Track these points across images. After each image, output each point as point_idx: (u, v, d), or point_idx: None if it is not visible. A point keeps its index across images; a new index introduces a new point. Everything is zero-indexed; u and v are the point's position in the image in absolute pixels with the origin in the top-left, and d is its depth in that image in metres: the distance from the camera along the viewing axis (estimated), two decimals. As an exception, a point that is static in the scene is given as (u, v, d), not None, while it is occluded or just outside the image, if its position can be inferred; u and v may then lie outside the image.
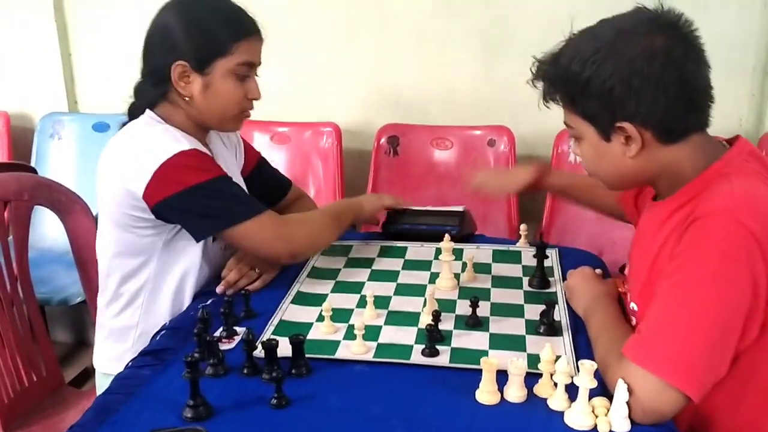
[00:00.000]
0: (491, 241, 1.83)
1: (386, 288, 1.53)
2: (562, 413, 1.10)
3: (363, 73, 2.84)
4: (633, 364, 1.07)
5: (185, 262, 1.54)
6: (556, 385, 1.11)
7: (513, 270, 1.62)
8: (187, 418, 1.10)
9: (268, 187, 1.78)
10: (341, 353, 1.28)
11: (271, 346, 1.19)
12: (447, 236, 1.55)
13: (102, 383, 1.59)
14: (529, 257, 1.64)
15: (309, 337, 1.33)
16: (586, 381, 1.06)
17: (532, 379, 1.15)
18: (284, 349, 1.22)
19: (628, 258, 1.38)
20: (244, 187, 1.60)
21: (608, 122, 1.16)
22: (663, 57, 1.11)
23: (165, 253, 1.52)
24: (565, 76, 1.18)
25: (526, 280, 1.56)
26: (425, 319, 1.34)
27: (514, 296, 1.49)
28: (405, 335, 1.34)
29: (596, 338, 1.25)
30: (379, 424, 1.09)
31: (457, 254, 1.61)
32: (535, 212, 2.63)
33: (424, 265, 1.66)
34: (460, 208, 1.85)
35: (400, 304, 1.47)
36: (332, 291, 1.54)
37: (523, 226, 1.79)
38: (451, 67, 2.76)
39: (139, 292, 1.55)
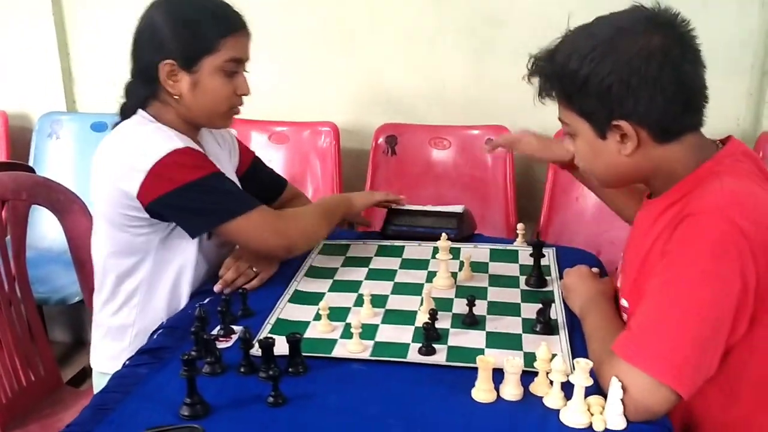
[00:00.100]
0: (489, 240, 1.83)
1: (383, 287, 1.54)
2: (557, 411, 1.10)
3: (361, 72, 2.84)
4: (623, 361, 1.08)
5: (181, 260, 1.54)
6: (552, 383, 1.11)
7: (510, 269, 1.63)
8: (183, 417, 1.10)
9: (263, 187, 1.78)
10: (338, 352, 1.29)
11: (268, 345, 1.19)
12: (444, 235, 1.56)
13: (99, 382, 1.59)
14: (526, 256, 1.64)
15: (306, 335, 1.33)
16: (581, 379, 1.06)
17: (528, 377, 1.15)
18: (281, 347, 1.22)
19: (623, 255, 1.39)
20: (239, 186, 1.60)
21: (605, 120, 1.17)
22: (661, 57, 1.12)
23: (160, 251, 1.52)
24: (562, 72, 1.18)
25: (523, 279, 1.56)
26: (422, 318, 1.34)
27: (511, 295, 1.50)
28: (402, 334, 1.34)
29: (591, 336, 1.26)
30: (376, 423, 1.10)
31: (455, 253, 1.61)
32: (532, 211, 2.63)
33: (421, 264, 1.66)
34: (459, 209, 1.85)
35: (397, 302, 1.47)
36: (329, 290, 1.54)
37: (520, 226, 1.79)
38: (448, 67, 2.76)
39: (136, 290, 1.55)
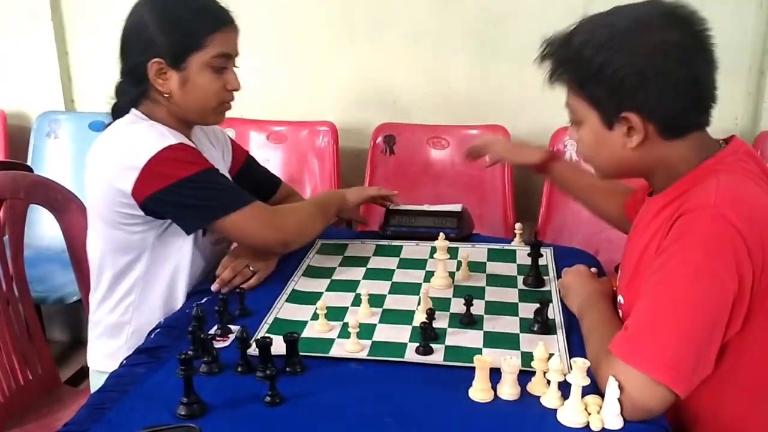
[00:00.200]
0: (486, 239, 1.83)
1: (381, 286, 1.53)
2: (555, 411, 1.10)
3: (359, 72, 2.84)
4: (620, 361, 1.08)
5: (176, 258, 1.54)
6: (549, 383, 1.11)
7: (508, 269, 1.63)
8: (180, 416, 1.10)
9: (257, 185, 1.78)
10: (335, 351, 1.28)
11: (265, 344, 1.19)
12: (442, 235, 1.56)
13: (96, 381, 1.59)
14: (524, 256, 1.64)
15: (303, 335, 1.33)
16: (578, 379, 1.06)
17: (525, 377, 1.15)
18: (278, 347, 1.22)
19: (623, 254, 1.39)
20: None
21: (614, 111, 1.16)
22: (677, 53, 1.12)
23: (156, 249, 1.52)
24: (576, 58, 1.17)
25: (520, 279, 1.56)
26: (420, 318, 1.34)
27: (509, 295, 1.50)
28: (399, 333, 1.34)
29: (589, 336, 1.26)
30: (373, 422, 1.10)
31: (452, 253, 1.61)
32: (530, 211, 2.63)
33: (419, 263, 1.66)
34: (457, 208, 1.85)
35: (394, 302, 1.47)
36: (327, 289, 1.54)
37: (518, 225, 1.79)
38: (447, 67, 2.76)
39: (132, 288, 1.55)
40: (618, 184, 1.75)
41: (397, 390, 1.17)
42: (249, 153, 1.86)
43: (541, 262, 1.58)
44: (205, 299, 1.49)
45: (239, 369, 1.22)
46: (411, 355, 1.27)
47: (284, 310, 1.45)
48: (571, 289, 1.43)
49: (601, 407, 1.07)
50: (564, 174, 1.72)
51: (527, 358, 1.19)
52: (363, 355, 1.27)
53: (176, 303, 1.56)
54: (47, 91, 3.05)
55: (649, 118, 1.15)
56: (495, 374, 1.14)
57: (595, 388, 1.11)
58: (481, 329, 1.35)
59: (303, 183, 2.78)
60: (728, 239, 1.06)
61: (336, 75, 2.86)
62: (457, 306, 1.42)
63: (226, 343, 1.32)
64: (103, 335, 1.60)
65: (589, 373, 1.08)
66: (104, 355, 1.59)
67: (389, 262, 1.67)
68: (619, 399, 1.05)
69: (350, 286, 1.55)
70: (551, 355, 1.12)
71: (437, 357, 1.26)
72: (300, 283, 1.57)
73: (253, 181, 1.78)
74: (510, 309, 1.43)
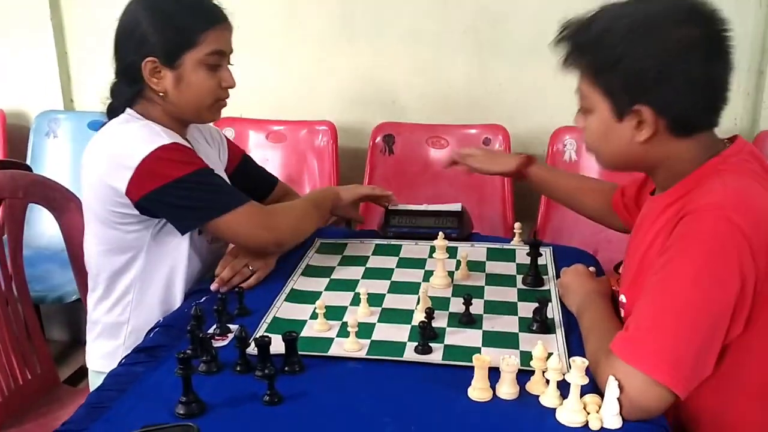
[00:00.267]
0: (486, 239, 1.83)
1: (380, 286, 1.53)
2: (554, 410, 1.10)
3: (359, 72, 2.84)
4: (620, 360, 1.07)
5: (173, 257, 1.54)
6: (548, 382, 1.11)
7: (507, 268, 1.63)
8: (179, 415, 1.10)
9: (253, 184, 1.78)
10: (334, 350, 1.28)
11: (264, 344, 1.19)
12: (441, 234, 1.56)
13: (95, 381, 1.59)
14: (523, 255, 1.64)
15: (302, 334, 1.33)
16: (577, 378, 1.06)
17: (524, 376, 1.15)
18: (277, 346, 1.22)
19: (626, 250, 1.38)
20: (228, 182, 1.60)
21: (627, 102, 1.15)
22: (699, 51, 1.11)
23: (152, 248, 1.52)
24: (596, 45, 1.16)
25: (519, 278, 1.56)
26: (419, 317, 1.34)
27: (508, 294, 1.50)
28: (398, 333, 1.34)
29: (587, 335, 1.26)
30: (372, 422, 1.10)
31: (452, 252, 1.61)
32: (530, 211, 2.63)
33: (418, 263, 1.66)
34: (457, 207, 1.85)
35: (393, 301, 1.47)
36: (326, 289, 1.54)
37: (517, 225, 1.79)
38: (446, 67, 2.76)
39: (129, 288, 1.55)
40: (601, 182, 1.75)
41: (396, 389, 1.17)
42: (245, 152, 1.86)
43: (540, 261, 1.58)
44: (204, 298, 1.49)
45: (238, 368, 1.22)
46: (410, 354, 1.27)
47: (283, 309, 1.44)
48: (570, 289, 1.43)
49: (600, 406, 1.07)
50: (542, 176, 1.73)
51: (526, 357, 1.19)
52: (362, 354, 1.27)
53: (174, 302, 1.56)
54: (46, 91, 3.05)
55: (661, 113, 1.14)
56: (494, 373, 1.14)
57: (593, 387, 1.11)
58: (480, 328, 1.35)
59: (302, 182, 2.78)
60: (732, 241, 1.06)
61: (335, 74, 2.86)
62: (456, 305, 1.42)
63: (225, 343, 1.32)
64: (101, 335, 1.60)
65: (588, 372, 1.08)
66: (103, 355, 1.59)
67: (388, 262, 1.67)
68: (618, 398, 1.05)
69: (349, 285, 1.55)
70: (550, 354, 1.12)
71: (436, 356, 1.26)
72: (299, 282, 1.57)
73: (249, 180, 1.78)
74: (509, 308, 1.43)
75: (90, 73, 3.05)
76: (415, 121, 2.77)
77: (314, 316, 1.38)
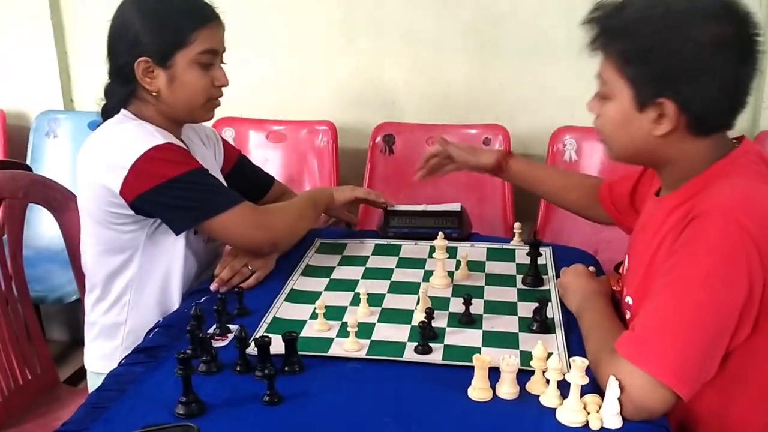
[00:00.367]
0: (485, 239, 1.83)
1: (380, 286, 1.53)
2: (554, 410, 1.10)
3: (359, 71, 2.84)
4: (625, 360, 1.07)
5: (169, 257, 1.54)
6: (548, 382, 1.11)
7: (507, 268, 1.63)
8: (179, 415, 1.10)
9: (249, 184, 1.78)
10: (334, 351, 1.28)
11: (264, 344, 1.19)
12: (441, 234, 1.56)
13: (94, 383, 1.59)
14: (523, 255, 1.64)
15: (302, 334, 1.33)
16: (577, 378, 1.06)
17: (524, 376, 1.15)
18: (277, 346, 1.22)
19: (628, 251, 1.38)
20: (224, 183, 1.60)
21: (651, 93, 1.13)
22: (731, 52, 1.10)
23: (148, 248, 1.52)
24: (628, 31, 1.14)
25: (519, 278, 1.56)
26: (419, 317, 1.34)
27: (508, 294, 1.50)
28: (398, 333, 1.34)
29: (588, 335, 1.26)
30: (372, 422, 1.10)
31: (451, 252, 1.61)
32: (530, 211, 2.63)
33: (418, 263, 1.66)
34: (456, 207, 1.85)
35: (393, 301, 1.47)
36: (326, 289, 1.54)
37: (517, 225, 1.79)
38: (446, 67, 2.76)
39: (126, 288, 1.55)
40: (583, 176, 1.74)
41: (396, 389, 1.17)
42: (241, 152, 1.86)
43: (540, 261, 1.58)
44: (203, 298, 1.49)
45: (238, 368, 1.22)
46: (410, 354, 1.27)
47: (283, 309, 1.44)
48: (570, 289, 1.43)
49: (600, 406, 1.07)
50: (522, 169, 1.71)
51: (526, 357, 1.19)
52: (362, 354, 1.27)
53: (171, 302, 1.56)
54: (46, 91, 3.05)
55: (684, 109, 1.12)
56: (494, 373, 1.14)
57: (594, 387, 1.11)
58: (480, 328, 1.35)
59: (302, 182, 2.78)
60: (741, 245, 1.05)
61: (335, 74, 2.86)
62: (456, 305, 1.42)
63: (225, 343, 1.32)
64: (99, 336, 1.60)
65: (588, 372, 1.08)
66: (101, 356, 1.59)
67: (388, 262, 1.67)
68: (619, 398, 1.05)
69: (349, 285, 1.55)
70: (550, 354, 1.12)
71: (436, 356, 1.26)
72: (299, 282, 1.57)
73: (245, 180, 1.78)
74: (509, 308, 1.43)
75: (90, 73, 3.04)
76: (415, 121, 2.77)
77: (314, 316, 1.38)
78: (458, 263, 1.59)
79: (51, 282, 2.56)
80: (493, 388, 1.14)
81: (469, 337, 1.32)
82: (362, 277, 1.59)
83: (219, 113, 2.73)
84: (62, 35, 3.02)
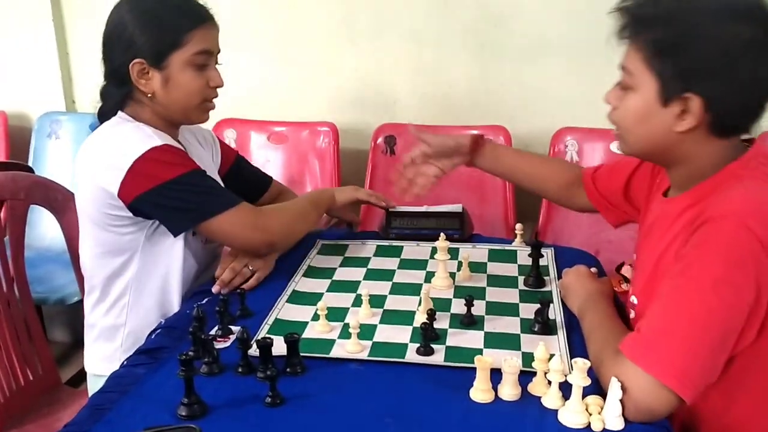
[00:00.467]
0: (487, 240, 1.83)
1: (382, 287, 1.53)
2: (555, 411, 1.10)
3: (360, 73, 2.84)
4: (629, 361, 1.07)
5: (168, 258, 1.54)
6: (550, 383, 1.11)
7: (508, 269, 1.63)
8: (181, 417, 1.10)
9: (247, 184, 1.78)
10: (336, 352, 1.28)
11: (265, 345, 1.19)
12: (442, 235, 1.56)
13: (94, 385, 1.59)
14: (524, 256, 1.64)
15: (304, 335, 1.33)
16: (579, 379, 1.06)
17: (526, 377, 1.15)
18: (279, 347, 1.22)
19: (636, 250, 1.38)
20: (221, 184, 1.60)
21: (679, 88, 1.11)
22: (765, 54, 1.08)
23: (147, 249, 1.52)
24: (662, 22, 1.11)
25: (521, 279, 1.56)
26: (420, 318, 1.34)
27: (510, 295, 1.50)
28: (400, 334, 1.34)
29: (590, 335, 1.25)
30: (374, 423, 1.10)
31: (453, 253, 1.61)
32: (531, 212, 2.63)
33: (419, 264, 1.66)
34: (458, 208, 1.85)
35: (395, 303, 1.47)
36: (328, 290, 1.54)
37: (518, 226, 1.79)
38: (447, 67, 2.76)
39: (126, 290, 1.55)
40: (563, 164, 1.72)
41: (397, 391, 1.17)
42: (238, 153, 1.86)
43: (542, 262, 1.58)
44: (205, 300, 1.49)
45: (240, 370, 1.22)
46: (412, 355, 1.27)
47: (285, 310, 1.44)
48: (572, 290, 1.43)
49: (602, 408, 1.07)
50: (498, 154, 1.69)
51: (528, 358, 1.19)
52: (363, 355, 1.27)
53: (170, 303, 1.56)
54: (48, 92, 3.05)
55: (710, 107, 1.10)
56: (496, 375, 1.14)
57: (595, 388, 1.11)
58: (482, 330, 1.35)
59: (303, 184, 2.78)
60: (750, 250, 1.05)
61: (336, 76, 2.86)
62: (458, 306, 1.42)
63: (227, 344, 1.32)
64: (99, 338, 1.60)
65: (590, 373, 1.08)
66: (101, 358, 1.59)
67: (390, 263, 1.67)
68: (621, 400, 1.05)
69: (351, 286, 1.55)
70: (552, 355, 1.12)
71: (438, 357, 1.26)
72: (300, 283, 1.57)
73: (243, 181, 1.78)
74: (511, 309, 1.43)
75: (92, 74, 3.02)
76: (416, 122, 2.77)
77: (316, 317, 1.38)
78: (460, 264, 1.59)
79: (52, 283, 2.56)
80: (494, 389, 1.14)
81: (471, 339, 1.32)
82: (364, 279, 1.59)
83: (220, 114, 2.77)
84: (64, 36, 3.02)
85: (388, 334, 1.34)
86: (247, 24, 2.83)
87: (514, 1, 2.63)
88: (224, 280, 1.53)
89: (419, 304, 1.42)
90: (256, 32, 2.85)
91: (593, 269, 1.48)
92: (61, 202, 1.81)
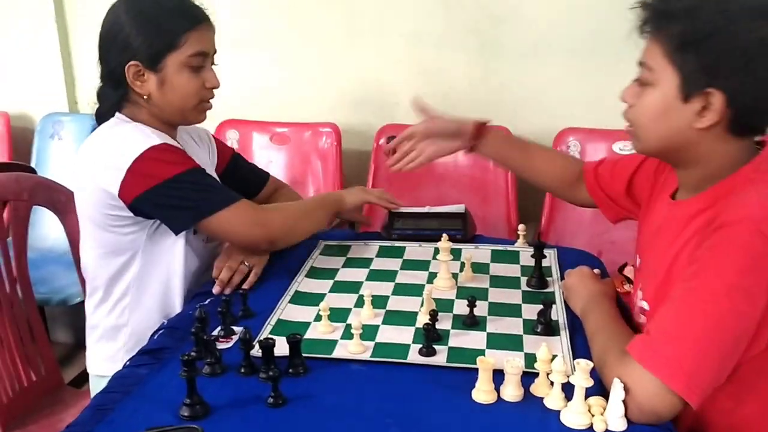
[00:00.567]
0: (490, 241, 1.83)
1: (384, 288, 1.53)
2: (558, 412, 1.10)
3: (362, 73, 2.84)
4: (636, 363, 1.06)
5: (169, 257, 1.54)
6: (552, 384, 1.11)
7: (511, 270, 1.62)
8: (183, 417, 1.10)
9: (245, 181, 1.79)
10: (338, 353, 1.28)
11: (268, 346, 1.19)
12: (445, 236, 1.55)
13: (96, 386, 1.59)
14: (527, 257, 1.64)
15: (306, 336, 1.33)
16: (582, 380, 1.06)
17: (528, 378, 1.15)
18: (281, 348, 1.22)
19: (639, 253, 1.37)
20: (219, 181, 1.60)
21: (701, 83, 1.09)
22: None
23: (148, 249, 1.53)
24: (686, 16, 1.09)
25: (524, 280, 1.56)
26: (423, 319, 1.34)
27: (512, 296, 1.49)
28: (402, 335, 1.34)
29: (593, 336, 1.25)
30: (376, 424, 1.10)
31: (456, 254, 1.61)
32: (533, 212, 2.63)
33: (422, 264, 1.66)
34: (460, 208, 1.85)
35: (397, 303, 1.47)
36: (330, 291, 1.54)
37: (521, 227, 1.79)
38: (448, 68, 2.76)
39: (127, 290, 1.55)
40: (565, 159, 1.71)
41: (400, 391, 1.17)
42: (234, 150, 1.87)
43: (545, 263, 1.58)
44: (208, 300, 1.49)
45: (242, 370, 1.22)
46: (414, 356, 1.27)
47: (287, 311, 1.44)
48: (574, 291, 1.43)
49: (604, 409, 1.07)
50: (500, 140, 1.66)
51: (530, 359, 1.19)
52: (366, 356, 1.27)
53: (172, 303, 1.56)
54: (51, 93, 3.06)
55: (732, 103, 1.09)
56: (498, 375, 1.14)
57: (598, 389, 1.11)
58: (485, 330, 1.35)
59: (306, 184, 2.78)
60: (764, 256, 1.04)
61: (338, 76, 2.86)
62: (460, 307, 1.42)
63: (229, 345, 1.32)
64: (101, 339, 1.60)
65: (593, 374, 1.08)
66: (103, 358, 1.59)
67: (392, 264, 1.67)
68: (625, 401, 1.05)
69: (353, 287, 1.55)
70: (554, 356, 1.12)
71: (440, 358, 1.26)
72: (303, 284, 1.57)
73: (240, 178, 1.78)
74: (513, 310, 1.43)
75: (94, 75, 3.04)
76: (418, 123, 2.77)
77: (318, 318, 1.38)
78: (462, 265, 1.59)
79: (55, 284, 2.56)
80: (497, 390, 1.14)
81: (474, 339, 1.32)
82: (366, 279, 1.59)
83: (223, 115, 2.77)
84: (66, 37, 3.03)
85: (390, 334, 1.34)
86: (249, 25, 2.83)
87: (516, 2, 2.64)
88: (223, 280, 1.53)
89: (422, 304, 1.41)
90: (259, 33, 2.85)
91: (596, 270, 1.48)
92: (63, 203, 1.81)
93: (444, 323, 1.35)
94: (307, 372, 1.22)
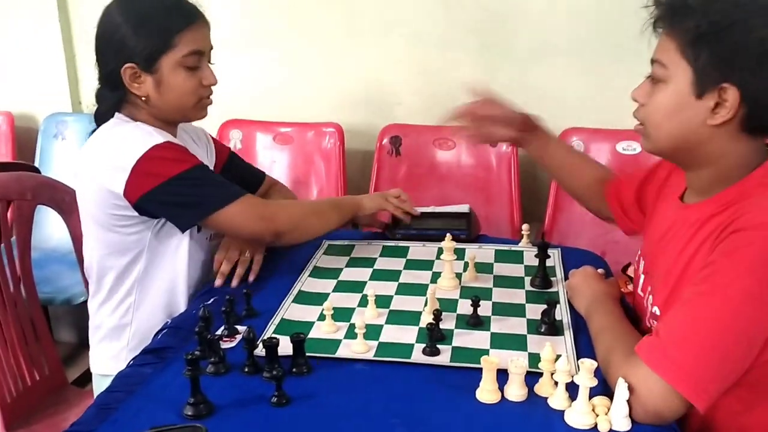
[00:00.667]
0: (493, 241, 1.83)
1: (388, 287, 1.53)
2: (562, 412, 1.09)
3: (365, 73, 2.84)
4: (643, 364, 1.06)
5: (174, 256, 1.55)
6: (556, 384, 1.11)
7: (515, 270, 1.62)
8: (187, 416, 1.10)
9: (241, 180, 1.78)
10: (342, 352, 1.28)
11: (271, 345, 1.19)
12: (449, 236, 1.55)
13: (99, 385, 1.59)
14: (531, 257, 1.64)
15: (310, 336, 1.33)
16: (586, 380, 1.06)
17: (532, 378, 1.15)
18: (285, 347, 1.22)
19: (644, 255, 1.36)
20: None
21: (715, 78, 1.07)
22: None
23: (153, 248, 1.53)
24: (700, 10, 1.07)
25: (527, 280, 1.56)
26: (426, 319, 1.34)
27: (516, 296, 1.49)
28: (406, 334, 1.34)
29: (597, 337, 1.25)
30: (380, 423, 1.09)
31: (459, 254, 1.60)
32: (537, 212, 2.62)
33: (425, 264, 1.66)
34: (465, 208, 1.84)
35: (401, 303, 1.47)
36: (334, 290, 1.54)
37: (525, 226, 1.78)
38: (452, 68, 2.76)
39: (131, 289, 1.55)
40: (597, 167, 1.67)
41: (403, 391, 1.17)
42: (231, 149, 1.87)
43: (549, 263, 1.57)
44: (212, 300, 1.49)
45: (246, 369, 1.22)
46: (418, 356, 1.27)
47: (291, 310, 1.44)
48: (578, 291, 1.42)
49: (608, 408, 1.07)
50: (549, 142, 1.63)
51: (534, 359, 1.19)
52: (369, 355, 1.27)
53: (177, 301, 1.56)
54: (54, 93, 3.06)
55: (747, 99, 1.07)
56: (502, 375, 1.14)
57: (602, 389, 1.11)
58: (488, 330, 1.35)
59: (309, 184, 2.78)
60: None
61: (342, 76, 2.86)
62: (464, 307, 1.42)
63: (233, 344, 1.32)
64: (104, 338, 1.60)
65: (597, 374, 1.08)
66: (107, 357, 1.59)
67: (396, 263, 1.67)
68: (629, 401, 1.04)
69: (357, 286, 1.54)
70: (558, 356, 1.12)
71: (444, 358, 1.26)
72: (306, 283, 1.57)
73: (237, 177, 1.78)
74: (517, 310, 1.43)
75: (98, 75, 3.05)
76: (421, 123, 2.77)
77: (322, 317, 1.38)
78: (466, 265, 1.59)
79: (59, 283, 2.57)
80: (501, 390, 1.14)
81: (477, 339, 1.32)
82: (370, 279, 1.59)
83: (226, 115, 2.77)
84: (70, 37, 3.03)
85: (394, 334, 1.34)
86: (252, 26, 2.83)
87: (519, 1, 2.63)
88: (224, 273, 1.55)
89: (425, 304, 1.41)
90: (261, 34, 2.86)
91: (600, 270, 1.48)
92: (67, 203, 1.81)
93: (448, 323, 1.35)
94: (311, 371, 1.22)
